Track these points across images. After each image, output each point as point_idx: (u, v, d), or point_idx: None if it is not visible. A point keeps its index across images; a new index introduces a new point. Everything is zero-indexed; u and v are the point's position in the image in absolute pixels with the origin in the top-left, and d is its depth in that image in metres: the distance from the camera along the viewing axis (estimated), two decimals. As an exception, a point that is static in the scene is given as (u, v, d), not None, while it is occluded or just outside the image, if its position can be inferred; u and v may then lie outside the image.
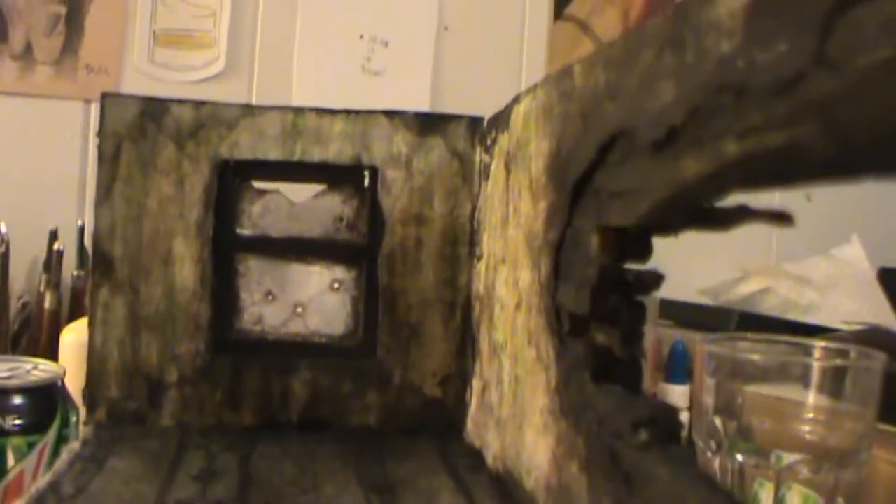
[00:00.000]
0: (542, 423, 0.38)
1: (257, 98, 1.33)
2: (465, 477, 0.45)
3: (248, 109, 0.51)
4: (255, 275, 0.52)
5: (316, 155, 0.51)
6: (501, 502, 0.41)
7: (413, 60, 1.39)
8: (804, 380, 0.57)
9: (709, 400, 0.58)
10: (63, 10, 1.27)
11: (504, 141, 0.46)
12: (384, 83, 1.36)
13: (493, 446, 0.45)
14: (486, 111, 1.32)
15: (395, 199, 0.52)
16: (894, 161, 0.21)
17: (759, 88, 0.24)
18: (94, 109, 1.30)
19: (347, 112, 0.51)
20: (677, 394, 0.83)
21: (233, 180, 0.51)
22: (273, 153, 0.51)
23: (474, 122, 0.52)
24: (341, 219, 0.52)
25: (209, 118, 0.51)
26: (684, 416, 0.79)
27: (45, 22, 1.27)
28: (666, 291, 0.37)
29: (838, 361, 0.58)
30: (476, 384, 0.50)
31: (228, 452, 0.46)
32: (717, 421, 0.58)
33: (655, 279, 0.35)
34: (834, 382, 0.57)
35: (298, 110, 0.51)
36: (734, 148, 0.26)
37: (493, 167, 0.48)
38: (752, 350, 0.61)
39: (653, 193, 0.30)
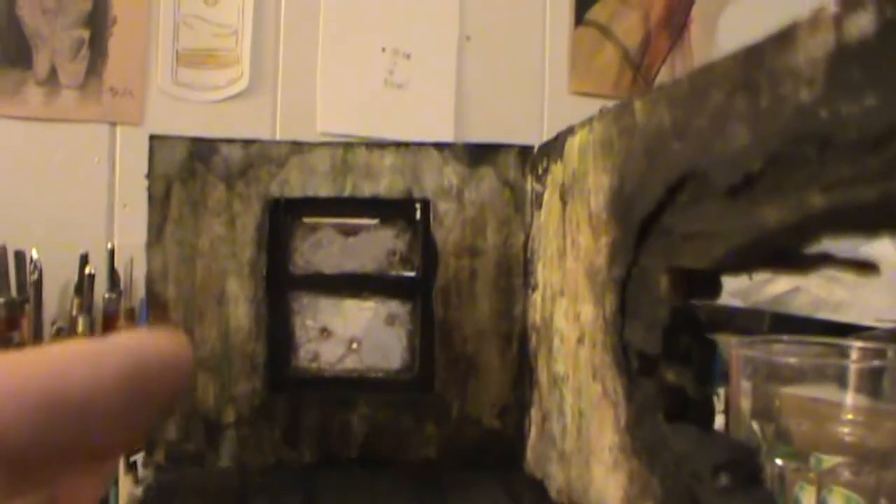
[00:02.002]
0: (611, 460, 0.38)
1: (282, 114, 1.33)
2: (530, 511, 0.43)
3: (297, 147, 0.51)
4: (309, 312, 0.52)
5: (367, 190, 0.52)
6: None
7: (436, 71, 1.40)
8: (841, 380, 0.57)
9: (745, 404, 0.59)
10: (86, 33, 1.28)
11: (558, 171, 0.46)
12: (408, 95, 1.37)
13: (556, 479, 0.45)
14: (510, 120, 1.34)
15: (447, 231, 0.52)
16: None
17: (847, 142, 0.24)
18: (120, 132, 1.31)
19: (397, 145, 0.52)
20: (712, 397, 0.82)
21: (284, 218, 0.52)
22: (323, 190, 0.52)
23: (524, 150, 0.52)
24: (394, 253, 0.53)
25: (258, 157, 0.51)
26: (719, 421, 0.79)
27: (68, 46, 1.28)
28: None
29: (875, 361, 0.59)
30: (535, 415, 0.50)
31: (291, 492, 0.47)
32: (755, 425, 0.58)
33: (728, 318, 0.35)
34: (872, 382, 0.57)
35: (348, 146, 0.52)
36: (819, 200, 0.25)
37: (546, 197, 0.48)
38: (788, 352, 0.61)
39: (730, 238, 0.30)
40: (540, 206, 0.49)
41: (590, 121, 0.41)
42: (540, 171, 0.49)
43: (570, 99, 1.43)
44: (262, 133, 1.27)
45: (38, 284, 1.19)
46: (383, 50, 1.36)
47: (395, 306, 0.53)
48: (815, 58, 0.25)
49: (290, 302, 0.52)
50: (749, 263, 0.31)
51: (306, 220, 0.52)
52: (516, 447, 0.52)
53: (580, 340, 0.42)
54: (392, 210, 0.52)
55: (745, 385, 0.59)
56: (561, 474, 0.45)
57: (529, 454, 0.51)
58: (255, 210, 0.51)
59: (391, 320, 0.53)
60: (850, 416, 0.57)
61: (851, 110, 0.23)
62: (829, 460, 0.57)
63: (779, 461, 0.58)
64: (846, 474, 0.57)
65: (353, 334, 0.53)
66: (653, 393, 0.35)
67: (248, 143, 0.51)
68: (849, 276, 1.15)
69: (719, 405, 0.78)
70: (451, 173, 0.52)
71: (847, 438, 0.57)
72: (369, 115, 1.36)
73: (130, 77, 1.27)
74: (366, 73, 1.37)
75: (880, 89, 0.22)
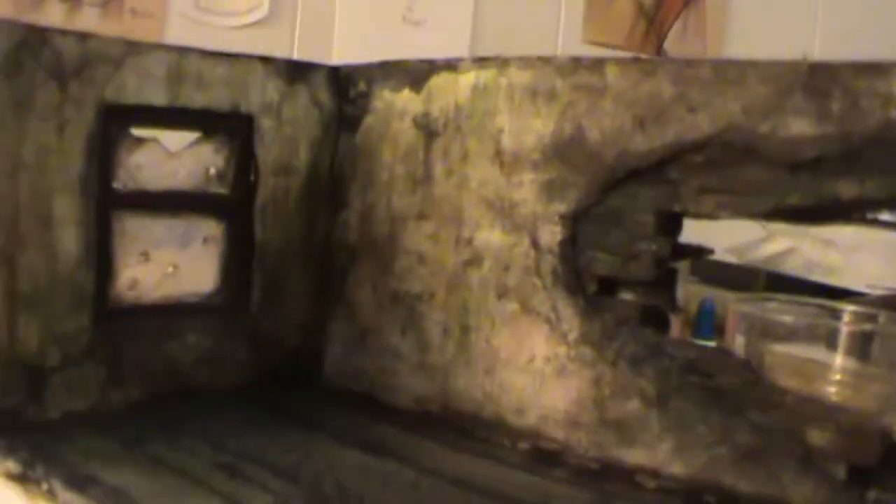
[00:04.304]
0: (553, 368, 0.42)
1: (299, 44, 1.23)
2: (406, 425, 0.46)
3: (134, 47, 0.43)
4: (130, 234, 0.44)
5: (198, 101, 0.45)
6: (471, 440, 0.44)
7: (453, 12, 1.33)
8: (831, 342, 0.56)
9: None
10: (112, -47, 1.17)
11: (406, 101, 0.47)
12: (424, 33, 1.27)
13: (414, 389, 0.47)
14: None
15: (267, 149, 0.48)
16: None
17: None
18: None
19: (228, 55, 0.46)
20: (705, 350, 0.81)
21: (115, 127, 0.43)
22: (158, 98, 0.44)
23: (334, 71, 0.50)
24: (214, 170, 0.47)
25: (95, 55, 0.41)
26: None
27: (94, -35, 1.17)
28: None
29: (866, 325, 0.58)
30: (342, 330, 0.50)
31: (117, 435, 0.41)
32: None
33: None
34: (861, 346, 0.56)
35: (183, 51, 0.45)
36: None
37: (371, 121, 0.48)
38: (782, 311, 0.59)
39: (785, 197, 0.37)
40: (352, 128, 0.49)
41: (498, 64, 0.44)
42: (353, 95, 0.49)
43: (583, 48, 1.35)
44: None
45: None
46: (404, -13, 1.26)
47: (213, 226, 0.47)
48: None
49: (113, 224, 0.44)
50: (793, 219, 0.39)
51: (134, 130, 0.44)
52: (316, 364, 0.51)
53: (472, 263, 0.45)
54: (218, 124, 0.46)
55: (739, 340, 0.56)
56: (424, 385, 0.46)
57: (332, 369, 0.51)
58: (88, 117, 0.41)
59: (208, 241, 0.47)
60: (837, 377, 0.55)
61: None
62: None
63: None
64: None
65: (171, 258, 0.46)
66: (631, 311, 0.41)
67: (84, 36, 0.41)
68: (843, 241, 1.13)
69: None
70: (273, 89, 0.48)
71: (833, 398, 0.55)
72: (385, 50, 1.25)
73: None
74: (384, 8, 1.27)
75: None
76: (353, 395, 0.50)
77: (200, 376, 0.47)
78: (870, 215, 0.36)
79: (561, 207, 0.42)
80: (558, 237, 0.42)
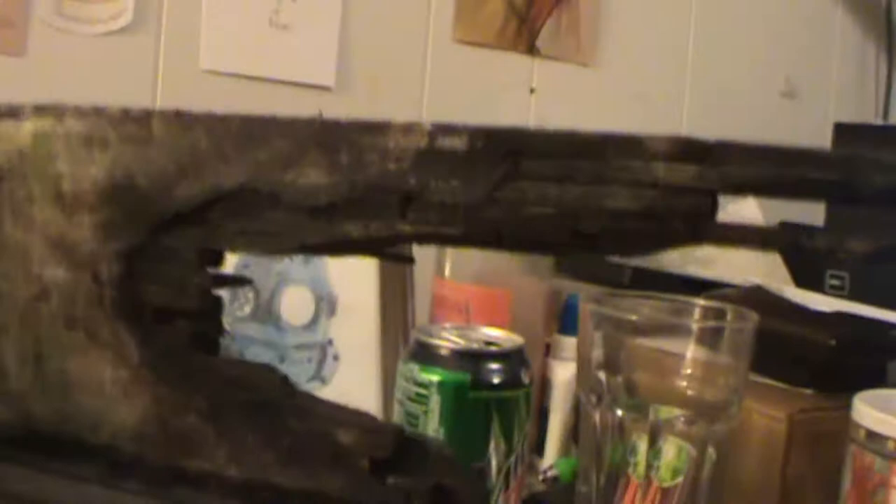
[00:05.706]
0: (120, 391, 0.47)
1: (165, 50, 1.25)
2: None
3: None
4: None
5: None
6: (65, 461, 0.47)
7: (321, 14, 1.33)
8: (684, 337, 0.58)
9: (595, 353, 0.59)
10: (-34, -40, 1.19)
11: None
12: (292, 36, 1.29)
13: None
14: (393, 65, 1.26)
15: None
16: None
17: (432, 201, 0.41)
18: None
19: None
20: (571, 345, 0.84)
21: None
22: None
23: None
24: None
25: None
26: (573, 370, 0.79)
27: (-55, -26, 1.19)
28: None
29: (714, 322, 0.61)
30: None
31: None
32: (602, 374, 0.58)
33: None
34: (711, 340, 0.59)
35: None
36: (408, 228, 0.41)
37: None
38: (635, 307, 0.62)
39: (305, 238, 0.44)
40: None
41: (56, 113, 0.47)
42: None
43: (454, 48, 1.39)
44: (145, 69, 1.20)
45: None
46: (270, -11, 1.29)
47: None
48: (406, 148, 0.41)
49: None
50: (315, 254, 0.48)
51: None
52: None
53: (40, 298, 0.48)
54: None
55: (596, 335, 0.58)
56: (4, 412, 0.49)
57: None
58: None
59: None
60: (689, 371, 0.58)
61: (439, 186, 0.40)
62: (667, 411, 0.58)
63: (619, 411, 0.58)
64: (680, 425, 0.57)
65: None
66: (182, 336, 0.46)
67: None
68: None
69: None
70: None
71: (686, 392, 0.58)
72: (253, 55, 1.27)
73: (11, 7, 1.18)
74: (250, 12, 1.29)
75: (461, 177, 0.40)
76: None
77: None
78: (377, 251, 0.47)
79: (117, 246, 0.46)
80: (116, 272, 0.46)
